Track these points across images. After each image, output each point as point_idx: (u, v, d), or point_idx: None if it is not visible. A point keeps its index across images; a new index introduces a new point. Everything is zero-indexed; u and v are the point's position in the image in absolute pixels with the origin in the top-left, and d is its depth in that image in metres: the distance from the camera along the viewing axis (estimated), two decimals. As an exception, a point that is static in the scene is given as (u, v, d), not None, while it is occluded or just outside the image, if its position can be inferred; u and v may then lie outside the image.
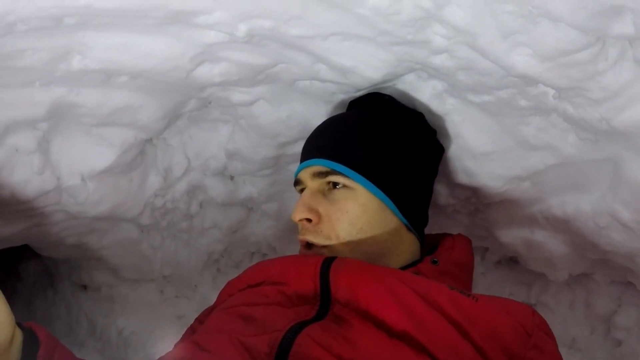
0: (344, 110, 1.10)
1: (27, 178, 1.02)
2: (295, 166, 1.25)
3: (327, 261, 0.83)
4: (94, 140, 1.06)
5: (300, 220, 0.91)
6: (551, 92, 0.88)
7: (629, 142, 0.88)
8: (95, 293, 1.50)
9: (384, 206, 0.92)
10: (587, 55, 0.78)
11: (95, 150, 1.07)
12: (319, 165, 0.93)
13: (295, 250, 1.42)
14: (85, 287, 1.54)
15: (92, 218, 1.16)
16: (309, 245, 0.92)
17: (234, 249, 1.45)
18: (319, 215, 0.90)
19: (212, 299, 1.41)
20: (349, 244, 0.89)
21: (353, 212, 0.90)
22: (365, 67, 0.95)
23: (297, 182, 0.99)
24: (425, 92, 1.03)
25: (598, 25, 0.73)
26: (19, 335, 0.73)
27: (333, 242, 0.89)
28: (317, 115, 1.12)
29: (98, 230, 1.24)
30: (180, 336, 0.97)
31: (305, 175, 0.96)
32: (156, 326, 1.43)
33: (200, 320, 0.96)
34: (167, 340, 0.98)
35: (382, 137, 0.95)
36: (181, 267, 1.42)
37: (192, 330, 0.96)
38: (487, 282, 1.33)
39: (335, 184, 0.92)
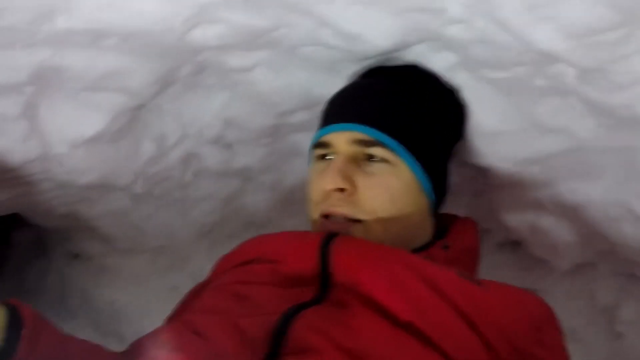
0: (349, 79, 1.04)
1: (11, 145, 0.97)
2: (295, 136, 1.21)
3: (327, 239, 0.78)
4: (82, 106, 0.99)
5: (334, 190, 0.81)
6: (572, 72, 0.82)
7: (650, 132, 0.83)
8: (87, 263, 1.46)
9: (420, 186, 0.85)
10: (617, 35, 0.72)
11: (84, 117, 1.00)
12: (363, 132, 0.82)
13: (291, 222, 1.40)
14: (77, 256, 1.50)
15: (82, 187, 1.11)
16: (329, 217, 0.83)
17: (229, 219, 1.41)
18: (354, 185, 0.81)
19: (206, 270, 1.38)
20: (385, 222, 0.82)
21: (396, 190, 0.82)
22: (374, 34, 0.88)
23: (321, 145, 0.87)
24: (435, 65, 0.96)
25: (634, 3, 0.66)
26: (2, 313, 0.69)
27: (369, 217, 0.81)
28: (320, 84, 1.06)
29: (88, 199, 1.19)
30: (172, 309, 0.95)
31: (339, 139, 0.84)
32: (149, 297, 1.40)
33: (193, 294, 0.93)
34: (160, 312, 0.95)
35: (424, 112, 0.88)
36: (174, 238, 1.38)
37: (183, 305, 0.93)
38: (487, 264, 1.28)
39: (373, 156, 0.83)
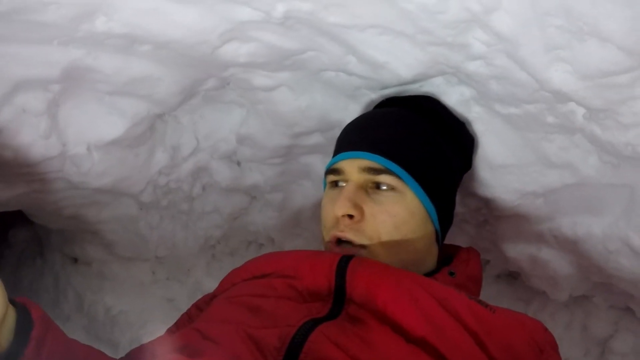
0: (366, 106, 1.08)
1: (31, 141, 0.97)
2: (307, 158, 1.24)
3: (344, 259, 0.81)
4: (106, 109, 1.02)
5: (343, 215, 0.85)
6: (581, 111, 0.88)
7: (651, 170, 0.89)
8: (86, 267, 1.44)
9: (427, 214, 0.89)
10: (627, 78, 0.78)
11: (106, 120, 1.02)
12: (373, 160, 0.87)
13: (294, 244, 1.41)
14: (76, 260, 1.48)
15: (93, 190, 1.11)
16: (340, 242, 0.87)
17: (232, 236, 1.41)
18: (362, 212, 0.85)
19: (205, 284, 1.38)
20: (389, 248, 0.85)
21: (400, 217, 0.86)
22: (398, 64, 0.93)
23: (334, 172, 0.91)
24: (451, 97, 1.02)
25: (646, 49, 0.73)
26: (12, 313, 0.68)
27: (374, 242, 0.85)
28: (337, 109, 1.10)
29: (97, 203, 1.19)
30: (171, 320, 0.94)
31: (351, 166, 0.88)
32: (145, 307, 1.38)
33: (199, 307, 0.92)
34: (156, 322, 0.95)
35: (434, 143, 0.93)
36: (176, 250, 1.38)
37: (188, 316, 0.92)
38: (484, 295, 1.32)
39: (381, 184, 0.87)
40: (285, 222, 1.37)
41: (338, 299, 0.77)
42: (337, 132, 0.99)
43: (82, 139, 1.02)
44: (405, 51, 0.90)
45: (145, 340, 0.89)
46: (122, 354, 0.91)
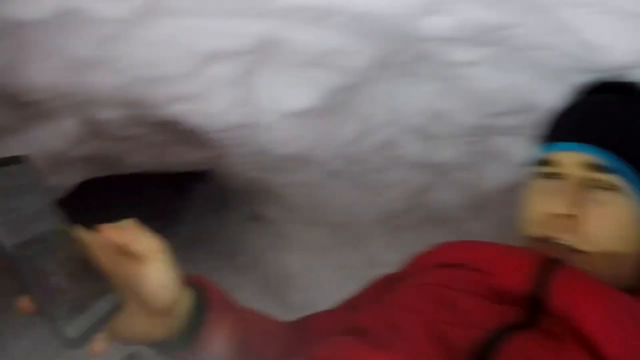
0: (575, 90, 0.94)
1: (224, 109, 1.02)
2: (502, 139, 1.15)
3: (548, 264, 0.72)
4: (298, 80, 1.03)
5: (560, 214, 0.76)
6: None
7: None
8: (265, 227, 1.50)
9: None
10: None
11: (298, 90, 1.03)
12: (599, 157, 0.76)
13: (477, 225, 1.34)
14: (257, 218, 1.55)
15: (281, 156, 1.15)
16: (549, 242, 0.77)
17: (412, 211, 1.38)
18: (584, 213, 0.75)
19: (381, 256, 1.37)
20: (609, 257, 0.75)
21: (625, 224, 0.75)
22: (618, 47, 0.82)
23: (547, 163, 0.81)
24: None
25: None
26: (187, 294, 0.66)
27: (595, 250, 0.75)
28: (542, 90, 0.99)
29: (284, 169, 1.24)
30: (344, 287, 0.92)
31: (570, 160, 0.78)
32: (321, 272, 1.42)
33: (381, 286, 0.89)
34: (330, 287, 0.95)
35: None
36: (357, 218, 1.40)
37: (367, 295, 0.89)
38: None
39: (603, 183, 0.76)
40: (470, 203, 1.31)
41: (533, 306, 0.70)
42: (539, 116, 0.89)
43: (274, 107, 1.05)
44: (629, 33, 0.79)
45: (318, 304, 0.89)
46: (294, 314, 0.89)
